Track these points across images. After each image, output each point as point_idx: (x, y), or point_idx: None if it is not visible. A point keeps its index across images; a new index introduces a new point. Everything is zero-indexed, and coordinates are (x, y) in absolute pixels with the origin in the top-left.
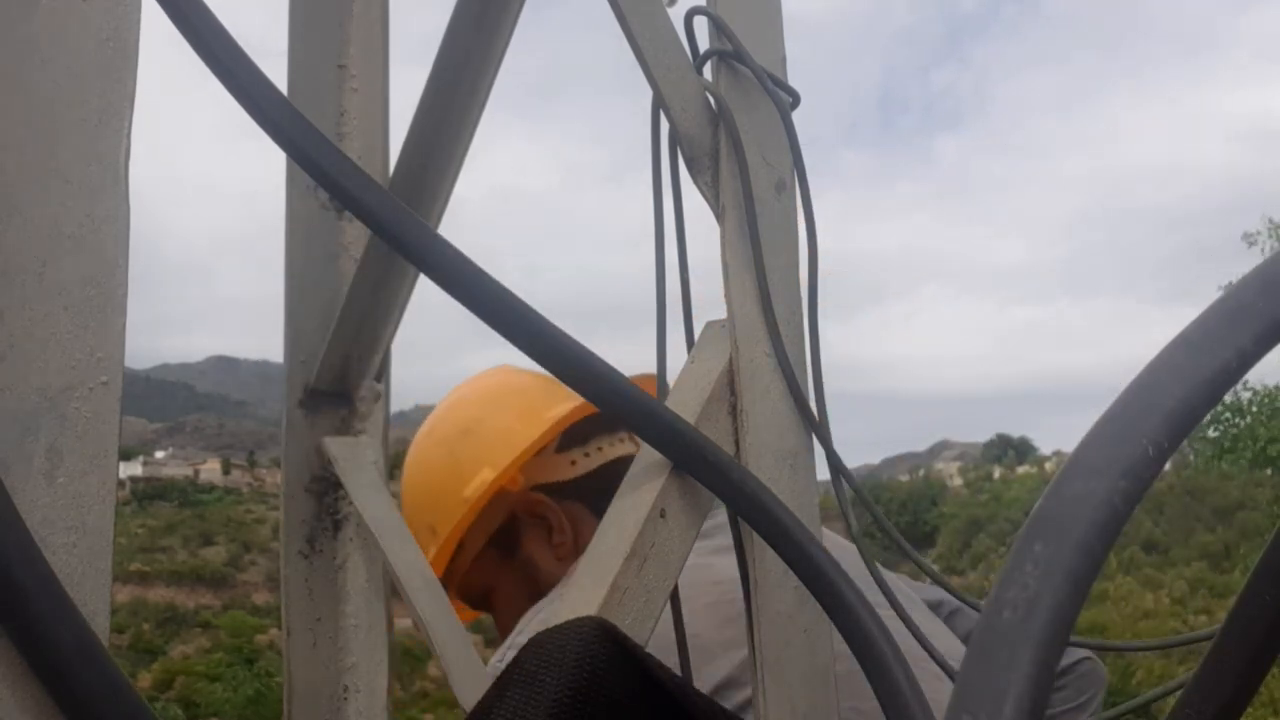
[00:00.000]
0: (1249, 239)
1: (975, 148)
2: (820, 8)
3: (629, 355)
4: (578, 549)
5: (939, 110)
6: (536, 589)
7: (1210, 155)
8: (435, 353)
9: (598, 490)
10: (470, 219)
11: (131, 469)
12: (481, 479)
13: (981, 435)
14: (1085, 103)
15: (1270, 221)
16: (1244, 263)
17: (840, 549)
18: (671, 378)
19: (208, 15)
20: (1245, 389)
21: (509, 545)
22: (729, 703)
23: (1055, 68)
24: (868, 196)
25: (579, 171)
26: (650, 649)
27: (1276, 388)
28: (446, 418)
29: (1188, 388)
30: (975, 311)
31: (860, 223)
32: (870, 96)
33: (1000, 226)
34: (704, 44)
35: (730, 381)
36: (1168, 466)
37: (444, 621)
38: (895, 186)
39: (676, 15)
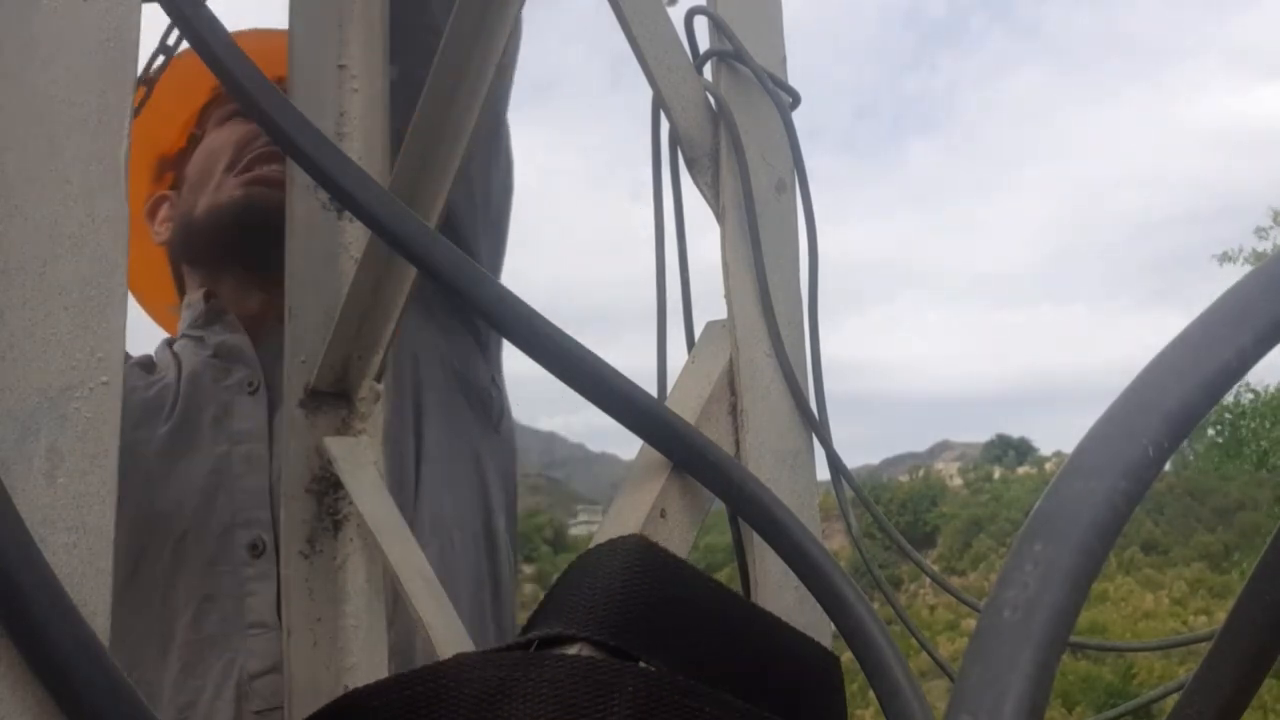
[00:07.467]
0: (1222, 258)
1: (953, 155)
2: (790, 17)
3: (618, 358)
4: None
5: (912, 117)
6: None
7: (1184, 160)
8: None
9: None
10: None
11: None
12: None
13: (981, 435)
14: (1060, 110)
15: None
16: (1223, 268)
17: None
18: (671, 378)
19: (208, 15)
20: (1247, 391)
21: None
22: None
23: (1029, 74)
24: (848, 202)
25: (559, 176)
26: None
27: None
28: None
29: (1188, 388)
30: (970, 314)
31: (843, 227)
32: (846, 104)
33: (981, 232)
34: (704, 44)
35: (730, 381)
36: (1168, 466)
37: (444, 621)
38: (872, 192)
39: (676, 15)
